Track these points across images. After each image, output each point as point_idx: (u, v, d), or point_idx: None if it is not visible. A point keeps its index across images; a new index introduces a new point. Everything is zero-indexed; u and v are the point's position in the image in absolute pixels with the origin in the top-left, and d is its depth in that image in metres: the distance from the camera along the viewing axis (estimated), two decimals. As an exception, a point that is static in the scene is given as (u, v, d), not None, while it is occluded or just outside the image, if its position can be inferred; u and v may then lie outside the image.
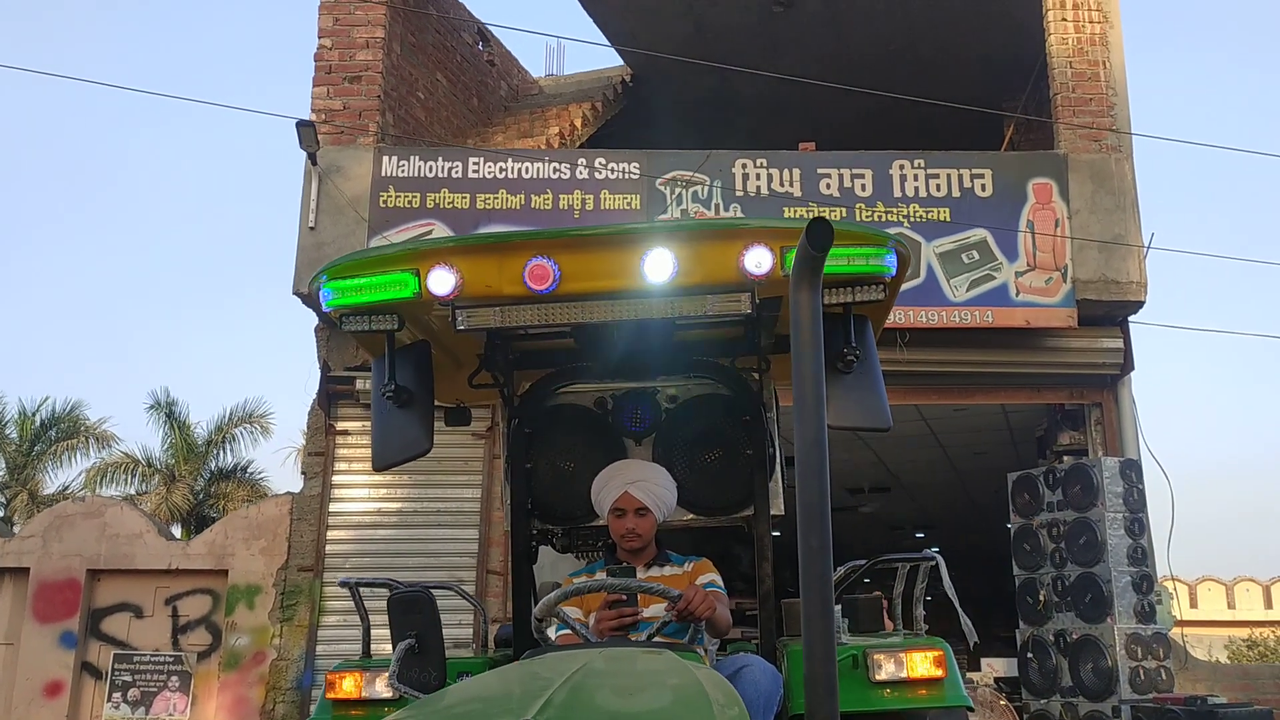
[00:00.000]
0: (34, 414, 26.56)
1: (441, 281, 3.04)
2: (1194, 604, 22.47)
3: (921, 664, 3.42)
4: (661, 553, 3.75)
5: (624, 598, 3.25)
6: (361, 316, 3.19)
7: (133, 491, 25.97)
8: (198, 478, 26.23)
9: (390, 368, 3.34)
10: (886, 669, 3.43)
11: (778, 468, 4.17)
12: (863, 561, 4.18)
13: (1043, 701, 8.50)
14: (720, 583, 3.63)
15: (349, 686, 3.55)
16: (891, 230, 8.70)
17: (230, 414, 26.61)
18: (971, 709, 3.56)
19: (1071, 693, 8.25)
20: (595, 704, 1.99)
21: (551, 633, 3.49)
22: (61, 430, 26.81)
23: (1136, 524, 8.29)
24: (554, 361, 4.20)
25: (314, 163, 8.86)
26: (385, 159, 9.01)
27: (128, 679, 8.87)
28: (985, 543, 13.74)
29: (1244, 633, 19.71)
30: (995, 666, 10.07)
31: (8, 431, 26.51)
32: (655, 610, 3.39)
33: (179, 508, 24.80)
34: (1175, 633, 8.91)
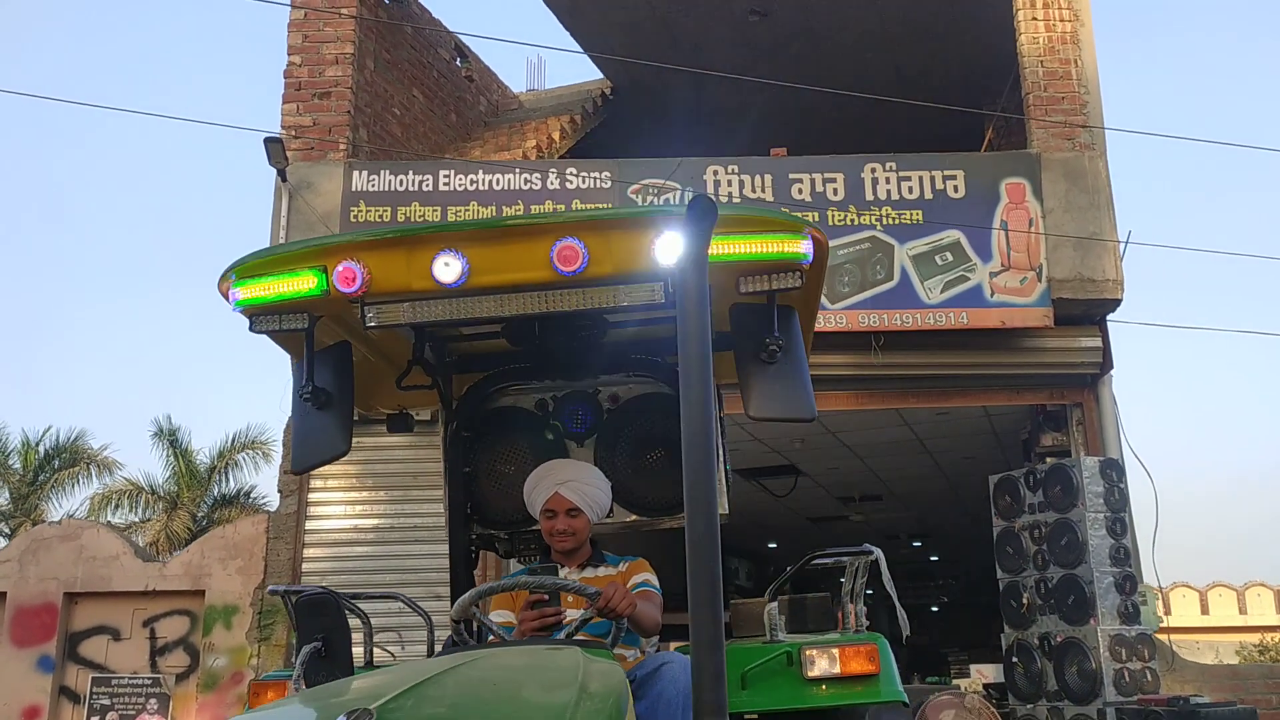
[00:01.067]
0: (37, 443, 26.59)
1: (348, 278, 3.00)
2: (1205, 610, 22.30)
3: (855, 660, 3.35)
4: (596, 553, 3.69)
5: (545, 598, 3.19)
6: (271, 316, 3.14)
7: (135, 519, 25.95)
8: (200, 504, 26.19)
9: (309, 369, 3.29)
10: (820, 665, 3.36)
11: (721, 467, 4.12)
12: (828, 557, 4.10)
13: (1029, 706, 8.39)
14: (655, 583, 3.56)
15: (272, 697, 3.49)
16: (864, 234, 8.79)
17: (233, 440, 26.58)
18: (906, 704, 3.49)
19: (1057, 696, 8.14)
20: (440, 697, 1.93)
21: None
22: (64, 459, 26.81)
23: (1118, 524, 8.20)
24: (493, 364, 4.16)
25: (284, 179, 8.85)
26: (356, 174, 8.99)
27: (106, 702, 8.80)
28: (983, 551, 13.60)
29: (1255, 638, 19.54)
30: (985, 673, 9.97)
31: (11, 462, 26.53)
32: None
33: (179, 536, 24.74)
34: (1187, 635, 8.80)
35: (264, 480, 26.74)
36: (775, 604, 3.63)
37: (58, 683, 8.87)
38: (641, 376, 4.15)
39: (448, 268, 2.97)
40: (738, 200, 8.81)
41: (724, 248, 2.96)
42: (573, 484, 3.59)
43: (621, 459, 4.13)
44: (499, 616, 3.41)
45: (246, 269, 3.10)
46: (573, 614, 3.25)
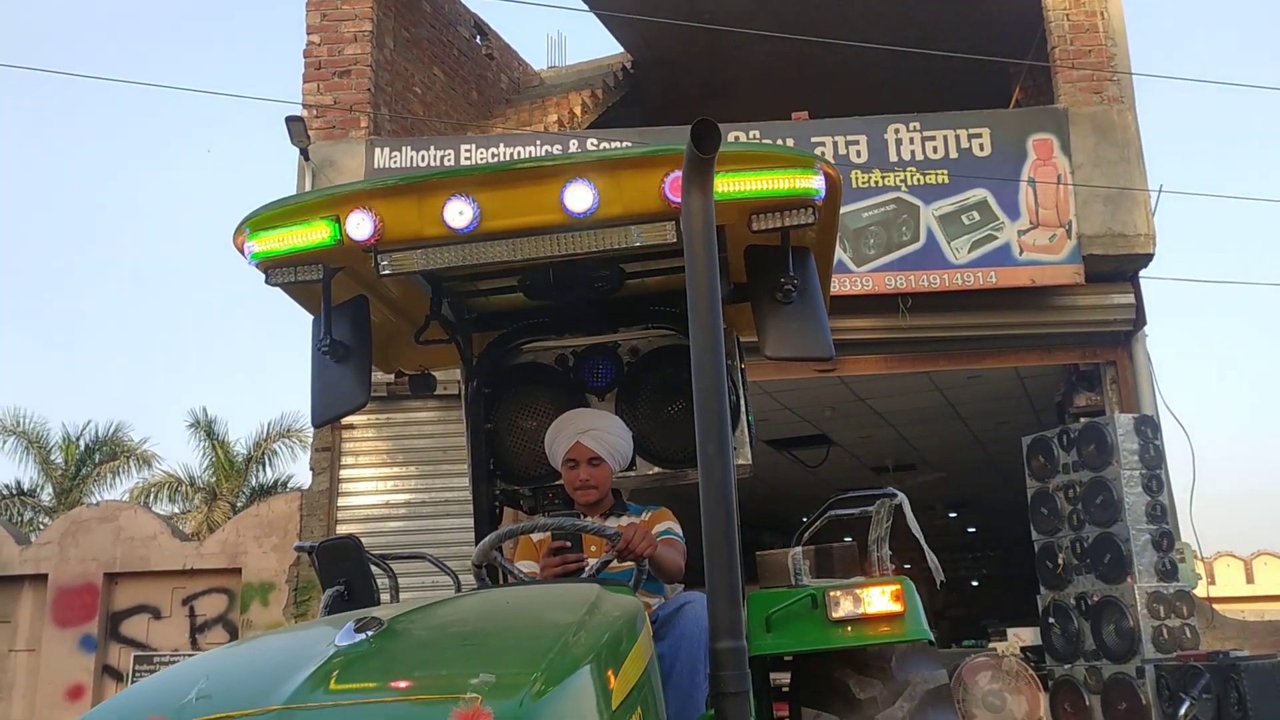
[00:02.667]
0: (78, 438, 26.98)
1: (361, 226, 3.00)
2: (1212, 580, 22.00)
3: (880, 599, 3.32)
4: (619, 503, 3.68)
5: (567, 544, 3.18)
6: (287, 268, 3.14)
7: (176, 510, 26.29)
8: (239, 495, 26.47)
9: (326, 322, 3.29)
10: (844, 607, 3.33)
11: (742, 417, 4.09)
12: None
13: (1066, 667, 8.32)
14: (678, 531, 3.55)
15: None
16: (889, 195, 8.69)
17: (268, 429, 26.82)
18: (933, 642, 3.45)
19: (1095, 656, 8.07)
20: (449, 613, 1.94)
21: None
22: (104, 453, 27.18)
23: (1154, 481, 8.09)
24: (511, 321, 4.15)
25: (306, 158, 8.88)
26: (378, 151, 9.01)
27: (148, 680, 8.93)
28: (1021, 522, 13.45)
29: (1262, 607, 19.28)
30: (1022, 636, 9.88)
31: (53, 457, 26.94)
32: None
33: (219, 525, 25.00)
34: (1232, 605, 8.70)
35: (300, 469, 26.93)
36: (799, 550, 3.60)
37: (100, 661, 9.02)
38: (661, 328, 4.13)
39: (460, 214, 2.97)
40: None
41: (734, 185, 2.93)
42: (594, 432, 3.58)
43: (643, 411, 4.11)
44: (525, 566, 3.41)
45: (260, 221, 3.11)
46: (596, 563, 3.25)
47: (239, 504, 26.07)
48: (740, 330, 4.18)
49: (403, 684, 1.72)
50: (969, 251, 8.52)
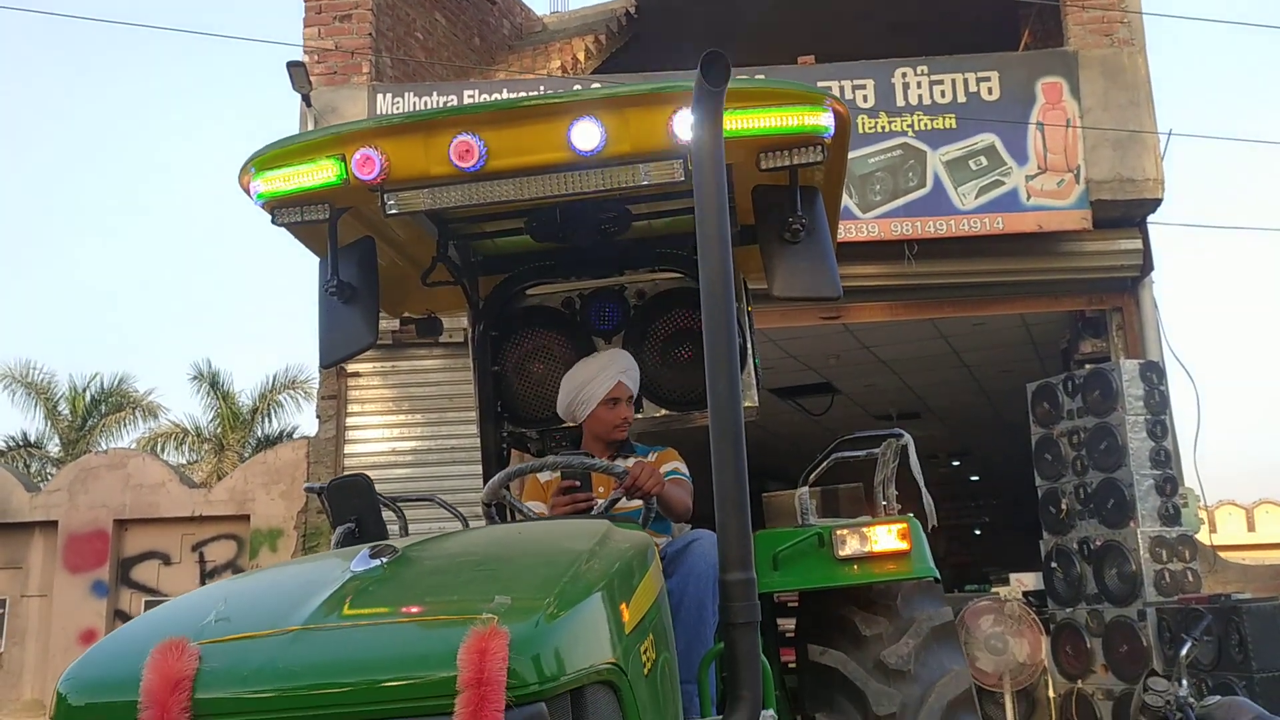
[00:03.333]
0: (84, 389, 27.06)
1: (367, 165, 2.98)
2: (1214, 528, 22.07)
3: (886, 538, 3.35)
4: (626, 444, 3.69)
5: (576, 483, 3.20)
6: (293, 208, 3.13)
7: (184, 461, 26.42)
8: (245, 446, 26.59)
9: (333, 263, 3.28)
10: (851, 545, 3.36)
11: (749, 360, 4.10)
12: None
13: (1068, 610, 8.39)
14: (685, 471, 3.57)
15: None
16: (895, 140, 8.61)
17: (273, 381, 26.87)
18: (938, 580, 3.49)
19: (1096, 599, 8.13)
20: (461, 543, 1.96)
21: None
22: (111, 404, 27.27)
23: (1159, 426, 8.10)
24: (517, 264, 4.14)
25: (308, 104, 8.81)
26: (380, 97, 8.93)
27: (159, 625, 9.05)
28: (1023, 470, 13.47)
29: (1263, 555, 19.34)
30: (1024, 581, 9.95)
31: (60, 408, 27.04)
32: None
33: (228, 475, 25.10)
34: (1234, 552, 8.74)
35: (305, 420, 27.02)
36: (806, 490, 3.62)
37: (112, 606, 9.13)
38: (668, 271, 4.12)
39: (466, 152, 2.95)
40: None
41: (743, 122, 2.90)
42: (631, 372, 3.63)
43: (650, 354, 4.13)
44: (534, 507, 3.43)
45: (265, 160, 3.09)
46: (605, 501, 3.27)
47: (245, 455, 26.26)
48: (747, 274, 4.18)
49: (418, 607, 1.74)
50: (976, 197, 8.47)
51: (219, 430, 26.48)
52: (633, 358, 3.77)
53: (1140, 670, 7.64)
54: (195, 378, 26.42)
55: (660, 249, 4.04)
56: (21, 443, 26.46)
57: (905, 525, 3.38)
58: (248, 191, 3.16)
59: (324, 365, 3.52)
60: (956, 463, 19.02)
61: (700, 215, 2.28)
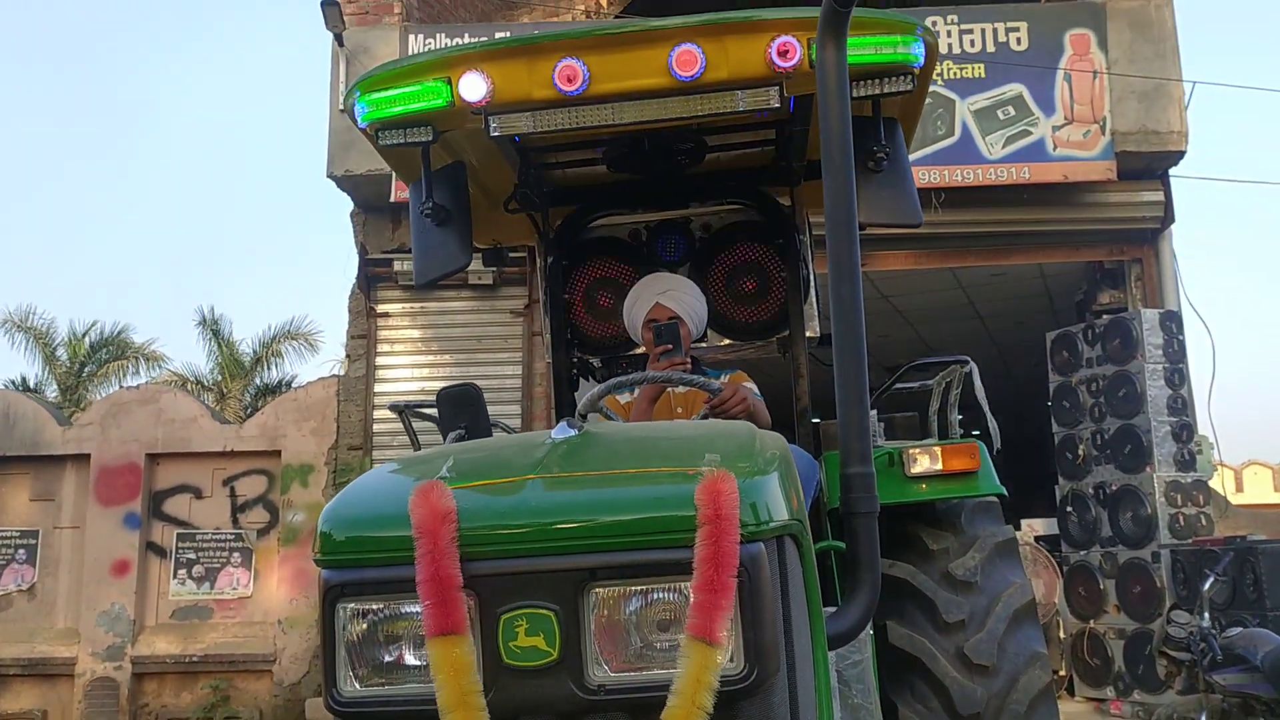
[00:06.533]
0: (84, 336, 27.08)
1: (473, 87, 3.07)
2: (1240, 488, 22.35)
3: (955, 458, 3.51)
4: (698, 368, 3.83)
5: (670, 346, 3.45)
6: (397, 130, 3.23)
7: (185, 409, 26.46)
8: (245, 394, 26.67)
9: (427, 186, 3.39)
10: (921, 463, 3.51)
11: (812, 290, 4.23)
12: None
13: (1082, 553, 8.61)
14: (757, 391, 3.71)
15: None
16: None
17: (276, 332, 26.90)
18: (1004, 495, 3.65)
19: (1111, 542, 8.35)
20: (616, 429, 2.10)
21: None
22: (110, 352, 27.30)
23: (1176, 375, 8.28)
24: (586, 197, 4.25)
25: (340, 44, 8.85)
26: (412, 38, 8.97)
27: (192, 556, 9.23)
28: (1028, 425, 13.71)
29: None
30: (1035, 527, 10.19)
31: (58, 354, 27.07)
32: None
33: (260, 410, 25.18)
34: (1261, 511, 8.93)
35: (307, 371, 27.06)
36: (875, 411, 3.76)
37: (144, 538, 9.29)
38: (734, 204, 4.23)
39: (569, 78, 3.04)
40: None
41: None
42: (671, 293, 3.74)
43: (714, 286, 4.24)
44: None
45: (372, 83, 3.18)
46: (696, 417, 3.42)
47: (244, 403, 26.36)
48: (808, 207, 4.30)
49: (638, 460, 1.91)
50: (1003, 147, 8.57)
51: (220, 379, 26.61)
52: (687, 281, 3.90)
53: (1153, 610, 7.89)
54: (200, 323, 26.47)
55: (729, 182, 4.15)
56: (21, 387, 26.53)
57: (974, 445, 3.53)
58: (352, 115, 3.25)
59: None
60: (960, 416, 19.21)
61: (825, 130, 2.39)
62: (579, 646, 1.76)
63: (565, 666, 1.75)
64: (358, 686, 1.85)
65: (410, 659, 1.83)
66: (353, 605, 1.83)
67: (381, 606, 1.83)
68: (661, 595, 1.77)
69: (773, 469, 1.95)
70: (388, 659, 1.85)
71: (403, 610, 1.82)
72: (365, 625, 1.84)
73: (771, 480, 1.90)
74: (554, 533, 1.77)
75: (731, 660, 1.75)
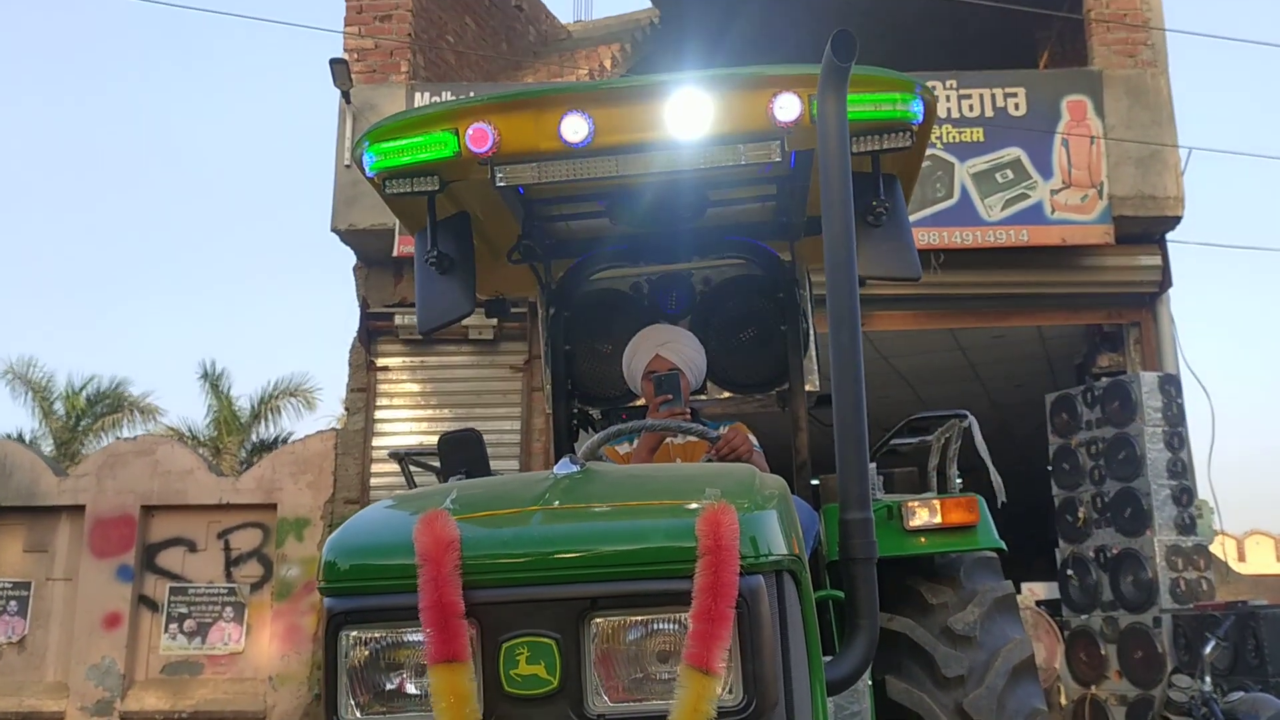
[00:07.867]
0: (80, 390, 27.09)
1: (480, 138, 3.12)
2: (1242, 557, 22.23)
3: (954, 511, 3.50)
4: (696, 419, 3.83)
5: (670, 397, 3.46)
6: (404, 179, 3.28)
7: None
8: (240, 450, 26.60)
9: (432, 234, 3.43)
10: (920, 516, 3.51)
11: (811, 344, 4.26)
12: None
13: (1083, 617, 8.54)
14: (757, 443, 3.72)
15: None
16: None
17: (275, 386, 26.89)
18: (1004, 550, 3.63)
19: (1112, 606, 8.28)
20: (628, 472, 2.11)
21: None
22: (107, 405, 27.29)
23: (1176, 438, 8.28)
24: (588, 249, 4.30)
25: (348, 101, 8.98)
26: (418, 95, 9.10)
27: (184, 610, 9.14)
28: (1027, 490, 13.57)
29: None
30: (1036, 591, 10.12)
31: (55, 407, 27.06)
32: None
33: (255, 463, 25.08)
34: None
35: (302, 429, 26.99)
36: (874, 464, 3.76)
37: (137, 591, 9.21)
38: (734, 258, 4.28)
39: (575, 130, 3.09)
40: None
41: None
42: (671, 345, 3.77)
43: (715, 339, 4.26)
44: None
45: (381, 133, 3.23)
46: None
47: (240, 457, 26.29)
48: (809, 264, 4.35)
49: (640, 495, 1.92)
50: (1002, 209, 8.66)
51: (215, 435, 26.57)
52: (687, 333, 3.94)
53: (1155, 676, 7.80)
54: (202, 376, 26.46)
55: (730, 237, 4.19)
56: (17, 440, 26.45)
57: (974, 499, 3.53)
58: (360, 164, 3.31)
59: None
60: (960, 479, 19.15)
61: (826, 185, 2.43)
62: (579, 675, 1.78)
63: (565, 695, 1.77)
64: (359, 714, 1.87)
65: (411, 687, 1.85)
66: (355, 633, 1.86)
67: (384, 634, 1.86)
68: (662, 626, 1.79)
69: (772, 505, 1.97)
70: (389, 686, 1.87)
71: (405, 638, 1.85)
72: (367, 653, 1.86)
73: (771, 516, 1.92)
74: (555, 562, 1.79)
75: (730, 691, 1.76)
